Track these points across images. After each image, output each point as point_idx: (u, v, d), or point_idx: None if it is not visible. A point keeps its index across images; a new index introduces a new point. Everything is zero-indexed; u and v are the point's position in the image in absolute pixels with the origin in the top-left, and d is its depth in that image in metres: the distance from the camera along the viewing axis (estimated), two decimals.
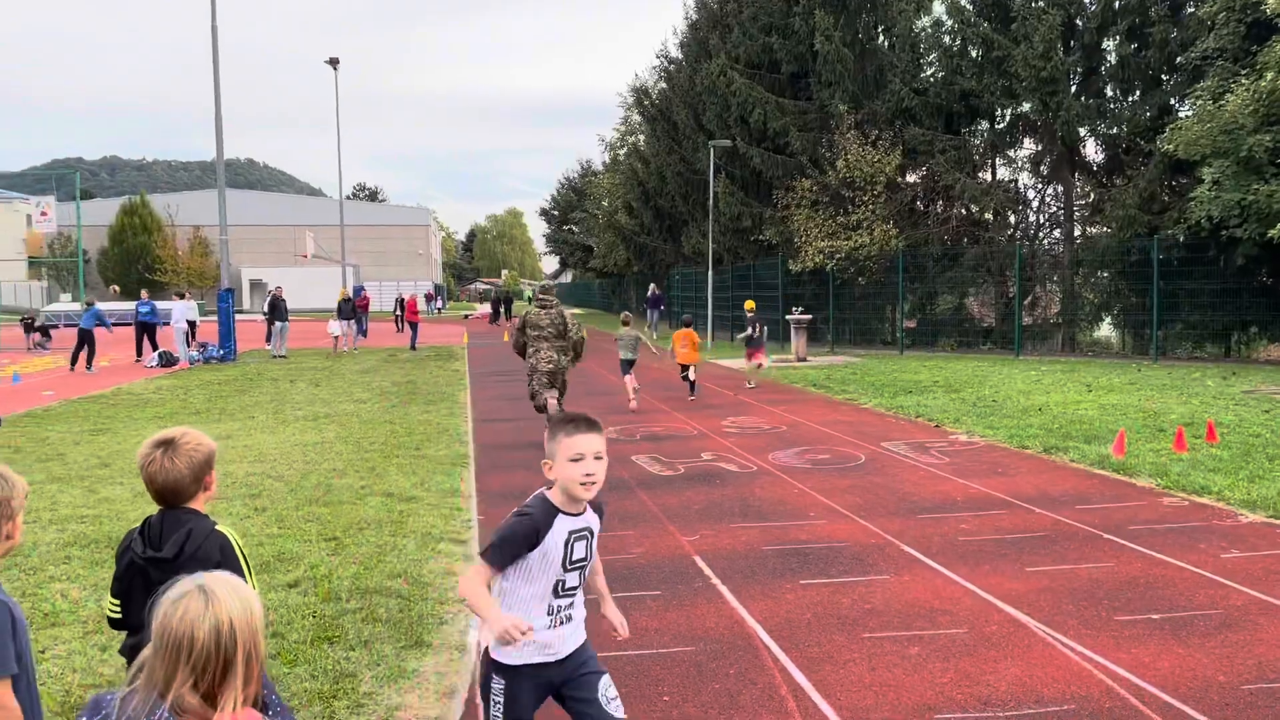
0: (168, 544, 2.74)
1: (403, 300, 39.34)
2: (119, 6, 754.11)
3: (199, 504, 2.88)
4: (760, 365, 17.44)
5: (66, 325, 37.15)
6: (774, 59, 30.08)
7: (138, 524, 2.91)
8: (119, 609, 2.83)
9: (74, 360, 21.39)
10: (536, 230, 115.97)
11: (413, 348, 28.17)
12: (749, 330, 17.14)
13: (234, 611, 1.85)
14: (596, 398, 15.90)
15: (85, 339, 21.43)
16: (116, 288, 45.82)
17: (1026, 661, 4.65)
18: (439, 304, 71.35)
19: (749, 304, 18.84)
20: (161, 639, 1.83)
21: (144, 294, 25.95)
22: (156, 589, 1.92)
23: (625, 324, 15.03)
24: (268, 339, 29.04)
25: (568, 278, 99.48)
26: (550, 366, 11.26)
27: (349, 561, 6.40)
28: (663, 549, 6.76)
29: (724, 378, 19.07)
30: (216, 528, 2.80)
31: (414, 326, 29.72)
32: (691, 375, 15.66)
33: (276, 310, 26.23)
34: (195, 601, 1.84)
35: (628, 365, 14.78)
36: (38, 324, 29.65)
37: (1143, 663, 4.61)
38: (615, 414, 13.74)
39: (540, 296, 11.82)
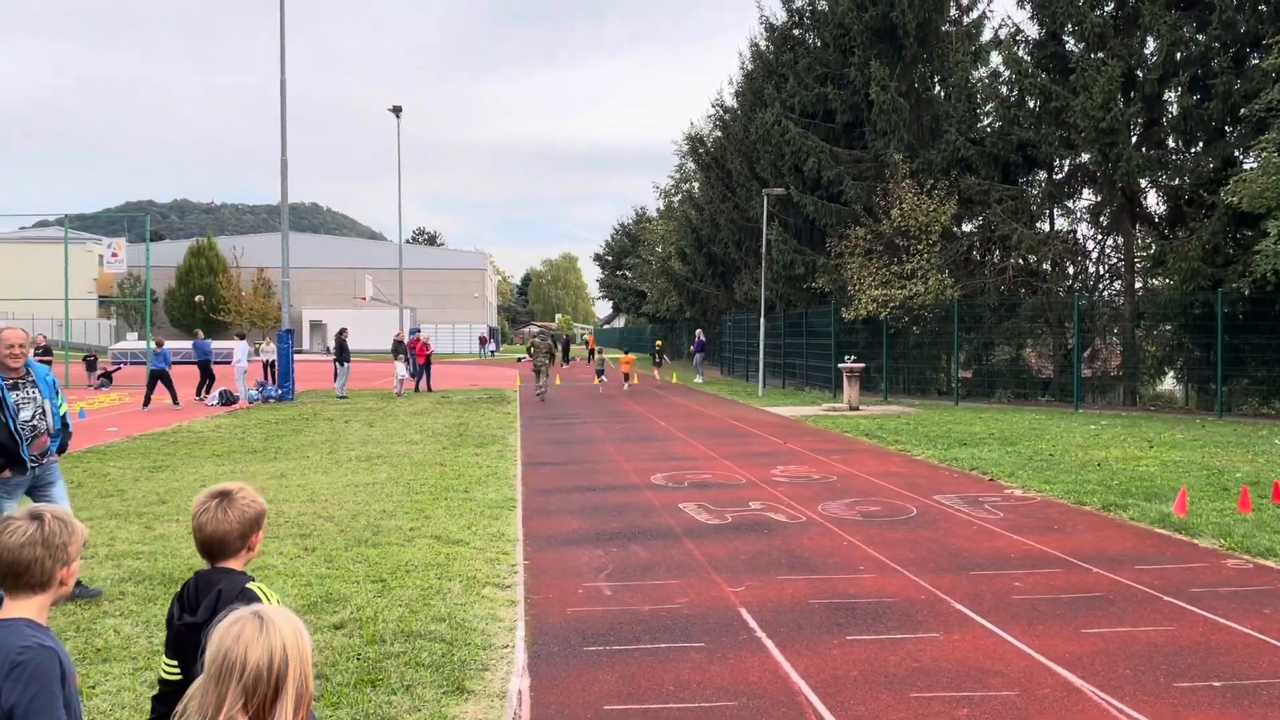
0: (201, 608, 2.72)
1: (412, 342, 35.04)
2: (192, 56, 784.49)
3: (239, 562, 2.84)
4: (657, 374, 35.74)
5: (132, 363, 38.08)
6: (829, 108, 30.21)
7: (182, 582, 2.90)
8: (177, 669, 2.77)
9: (174, 398, 22.24)
10: (590, 275, 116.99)
11: (429, 389, 28.59)
12: (657, 358, 37.26)
13: (287, 638, 1.88)
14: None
15: (162, 378, 22.03)
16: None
17: None
18: (492, 347, 72.16)
19: (658, 342, 39.21)
20: (214, 662, 1.85)
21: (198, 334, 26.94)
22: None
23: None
24: (335, 377, 29.50)
25: (620, 322, 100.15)
26: (543, 365, 25.54)
27: (395, 604, 6.44)
28: (708, 600, 6.69)
29: (778, 425, 18.96)
30: (248, 585, 2.75)
31: (425, 369, 29.51)
32: (630, 379, 29.67)
33: (341, 351, 26.73)
34: (250, 625, 1.87)
35: (599, 373, 30.22)
36: (99, 370, 30.46)
37: None
38: (662, 461, 13.72)
39: (540, 334, 25.75)
